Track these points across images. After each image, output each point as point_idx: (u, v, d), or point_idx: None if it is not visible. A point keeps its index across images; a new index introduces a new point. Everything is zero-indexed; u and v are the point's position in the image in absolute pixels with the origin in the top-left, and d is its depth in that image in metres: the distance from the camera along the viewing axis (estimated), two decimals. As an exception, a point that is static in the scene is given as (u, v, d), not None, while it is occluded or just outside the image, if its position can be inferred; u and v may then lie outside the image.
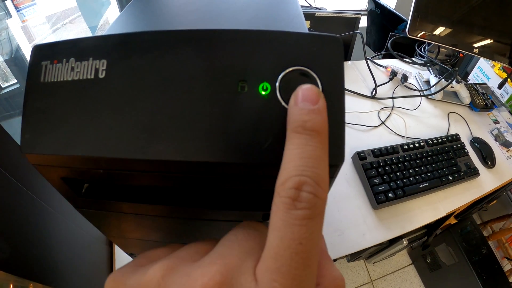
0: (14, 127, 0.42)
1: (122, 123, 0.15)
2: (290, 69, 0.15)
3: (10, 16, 1.95)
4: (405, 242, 1.27)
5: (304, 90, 0.14)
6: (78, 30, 1.43)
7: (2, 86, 1.42)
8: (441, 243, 1.61)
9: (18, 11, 1.95)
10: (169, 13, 0.31)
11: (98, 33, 1.41)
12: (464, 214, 1.49)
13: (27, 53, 2.02)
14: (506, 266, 1.76)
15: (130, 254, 0.36)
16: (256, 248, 0.13)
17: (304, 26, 0.26)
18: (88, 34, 1.41)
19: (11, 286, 0.36)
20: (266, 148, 0.14)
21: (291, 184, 0.12)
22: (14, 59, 2.02)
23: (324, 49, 0.15)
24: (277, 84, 0.15)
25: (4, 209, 0.37)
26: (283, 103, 0.15)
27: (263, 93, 0.15)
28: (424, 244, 1.66)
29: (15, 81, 2.10)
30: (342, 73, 0.15)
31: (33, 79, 0.17)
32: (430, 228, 1.46)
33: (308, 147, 0.12)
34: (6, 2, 1.95)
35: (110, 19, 1.44)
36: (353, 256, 1.53)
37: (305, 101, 0.13)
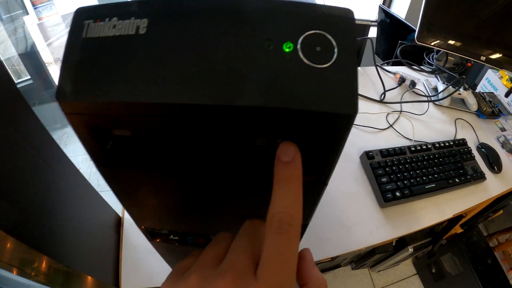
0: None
1: (158, 71, 0.17)
2: (310, 32, 0.17)
3: (27, 13, 2.01)
4: (410, 249, 1.26)
5: (284, 147, 0.19)
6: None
7: (15, 82, 1.46)
8: (446, 253, 1.60)
9: (35, 8, 2.01)
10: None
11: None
12: (470, 223, 1.48)
13: (41, 50, 2.06)
14: (513, 278, 1.73)
15: (143, 231, 0.38)
16: (256, 254, 0.19)
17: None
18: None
19: (14, 271, 0.37)
20: (287, 95, 0.16)
21: (276, 217, 0.18)
22: (29, 55, 2.07)
23: (339, 17, 0.18)
24: (299, 43, 0.17)
25: (27, 183, 0.39)
26: (305, 60, 0.17)
27: (287, 50, 0.17)
28: (429, 252, 1.65)
29: (29, 77, 2.14)
30: (355, 36, 0.18)
31: (75, 35, 0.18)
32: (435, 236, 1.45)
33: (288, 192, 0.19)
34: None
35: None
36: (358, 264, 1.52)
37: (284, 156, 0.19)
